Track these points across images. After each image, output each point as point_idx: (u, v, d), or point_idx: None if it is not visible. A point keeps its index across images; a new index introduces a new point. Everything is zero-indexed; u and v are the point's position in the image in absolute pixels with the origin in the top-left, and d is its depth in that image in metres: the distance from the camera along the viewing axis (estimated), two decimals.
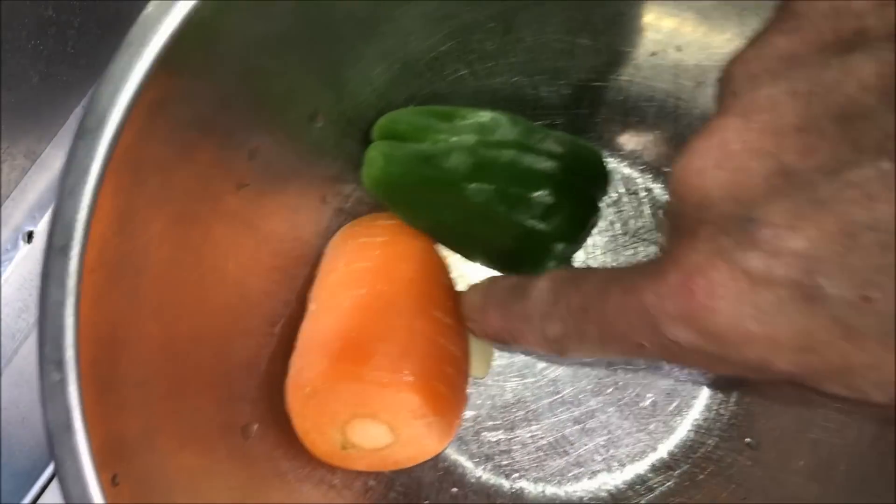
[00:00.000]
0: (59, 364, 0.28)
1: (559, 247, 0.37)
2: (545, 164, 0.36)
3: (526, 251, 0.37)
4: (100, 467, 0.28)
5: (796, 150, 0.19)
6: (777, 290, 0.19)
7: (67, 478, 0.28)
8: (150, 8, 0.29)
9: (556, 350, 0.27)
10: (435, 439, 0.36)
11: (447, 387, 0.36)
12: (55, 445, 0.28)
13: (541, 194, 0.36)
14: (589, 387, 0.42)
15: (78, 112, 0.46)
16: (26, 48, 0.40)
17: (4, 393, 0.43)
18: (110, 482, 0.28)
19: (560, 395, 0.42)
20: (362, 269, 0.37)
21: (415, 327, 0.36)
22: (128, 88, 0.28)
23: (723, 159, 0.20)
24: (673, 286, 0.20)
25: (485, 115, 0.37)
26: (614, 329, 0.23)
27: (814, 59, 0.20)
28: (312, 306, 0.38)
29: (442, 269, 0.39)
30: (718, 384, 0.41)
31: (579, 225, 0.37)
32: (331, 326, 0.36)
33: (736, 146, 0.20)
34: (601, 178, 0.38)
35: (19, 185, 0.45)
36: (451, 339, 0.37)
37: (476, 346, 0.40)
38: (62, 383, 0.28)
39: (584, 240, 0.39)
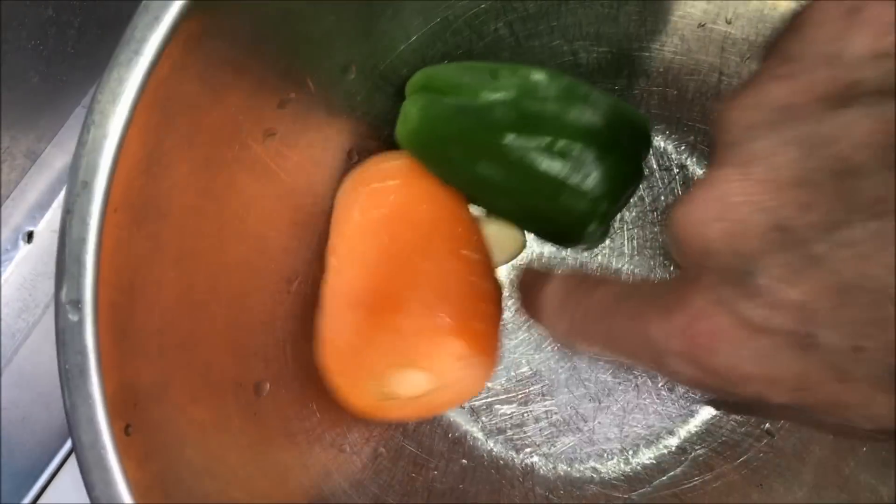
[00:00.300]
0: (78, 304, 0.27)
1: (601, 206, 0.35)
2: (589, 119, 0.34)
3: (565, 211, 0.35)
4: (113, 415, 0.27)
5: (794, 205, 0.20)
6: (774, 338, 0.20)
7: (79, 425, 0.27)
8: None
9: (564, 343, 0.29)
10: (476, 379, 0.36)
11: (485, 324, 0.35)
12: (68, 390, 0.27)
13: (583, 149, 0.34)
14: (607, 365, 0.41)
15: (78, 112, 0.46)
16: (26, 48, 0.40)
17: (4, 393, 0.43)
18: (123, 431, 0.27)
19: (577, 372, 0.41)
20: (380, 217, 0.36)
21: (445, 268, 0.35)
22: (166, 20, 0.27)
23: (723, 212, 0.21)
24: (677, 327, 0.22)
25: (526, 72, 0.36)
26: (619, 344, 0.25)
27: (810, 112, 0.21)
28: (333, 261, 0.36)
29: (460, 204, 0.38)
30: (719, 405, 0.40)
31: (621, 184, 0.35)
32: (358, 280, 0.35)
33: (736, 199, 0.21)
34: (644, 139, 0.37)
35: (19, 185, 0.45)
36: (482, 275, 0.36)
37: (499, 233, 0.39)
38: (79, 325, 0.27)
39: (626, 201, 0.37)
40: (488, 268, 0.37)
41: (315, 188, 0.37)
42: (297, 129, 0.35)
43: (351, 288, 0.35)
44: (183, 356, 0.31)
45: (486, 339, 0.35)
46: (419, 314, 0.33)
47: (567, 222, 0.36)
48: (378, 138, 0.38)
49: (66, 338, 0.27)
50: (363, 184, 0.37)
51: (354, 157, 0.38)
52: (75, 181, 0.27)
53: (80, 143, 0.27)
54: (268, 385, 0.35)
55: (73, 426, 0.26)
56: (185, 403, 0.31)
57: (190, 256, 0.31)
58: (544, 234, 0.39)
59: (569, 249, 0.42)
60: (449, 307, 0.34)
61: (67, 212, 0.27)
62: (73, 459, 0.42)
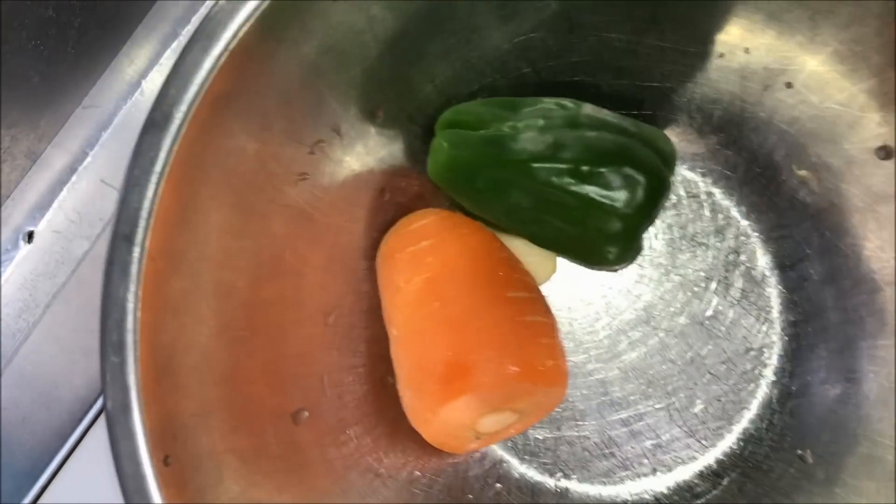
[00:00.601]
0: (119, 347, 0.29)
1: (628, 224, 0.36)
2: (610, 141, 0.36)
3: (595, 231, 0.37)
4: (153, 448, 0.29)
5: None
6: None
7: (122, 457, 0.29)
8: (220, 4, 0.30)
9: None
10: (553, 400, 0.39)
11: (549, 357, 0.37)
12: (112, 426, 0.29)
13: (607, 170, 0.35)
14: (638, 390, 0.42)
15: (78, 112, 0.46)
16: (26, 48, 0.39)
17: (4, 393, 0.43)
18: (162, 462, 0.30)
19: (609, 397, 0.42)
20: (424, 283, 0.37)
21: (498, 319, 0.36)
22: (194, 83, 0.29)
23: None
24: None
25: (548, 102, 0.37)
26: None
27: None
28: (393, 331, 0.38)
29: (495, 245, 0.39)
30: None
31: (647, 201, 0.36)
32: (423, 352, 0.36)
33: None
34: (667, 156, 0.38)
35: (19, 186, 0.45)
36: (534, 310, 0.37)
37: (534, 254, 0.40)
38: (121, 365, 0.29)
39: (655, 216, 0.38)
40: (538, 300, 0.38)
41: (350, 226, 0.39)
42: (329, 172, 0.37)
43: (419, 361, 0.36)
44: (222, 389, 0.33)
45: (552, 371, 0.37)
46: (489, 372, 0.35)
47: (597, 243, 0.37)
48: (409, 176, 0.40)
49: (109, 377, 0.29)
50: (399, 249, 0.39)
51: (387, 195, 0.40)
52: (116, 235, 0.29)
53: (120, 201, 0.29)
54: (306, 414, 0.37)
55: (115, 457, 0.29)
56: (224, 433, 0.33)
57: (227, 295, 0.34)
58: (576, 256, 0.40)
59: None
60: (512, 355, 0.35)
61: (110, 262, 0.29)
62: (73, 459, 0.42)
